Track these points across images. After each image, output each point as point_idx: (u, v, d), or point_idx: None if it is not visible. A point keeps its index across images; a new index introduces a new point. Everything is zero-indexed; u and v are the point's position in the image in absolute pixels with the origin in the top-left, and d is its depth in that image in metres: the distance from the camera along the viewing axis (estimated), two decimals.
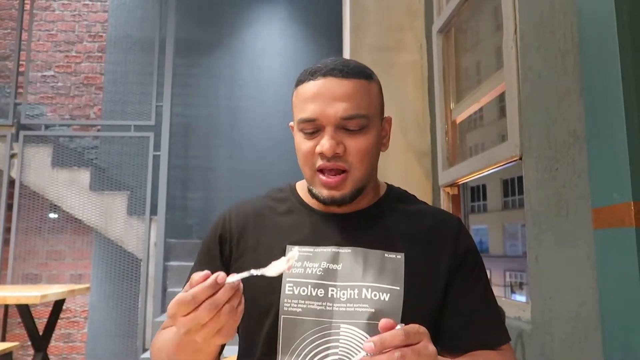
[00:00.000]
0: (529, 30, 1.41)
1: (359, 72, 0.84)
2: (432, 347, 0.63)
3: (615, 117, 0.96)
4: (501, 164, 1.64)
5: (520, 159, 1.47)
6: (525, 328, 1.40)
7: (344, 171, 0.83)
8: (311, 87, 0.83)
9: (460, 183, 2.19)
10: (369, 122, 0.84)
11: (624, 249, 0.93)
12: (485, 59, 2.18)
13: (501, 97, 1.85)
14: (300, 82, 0.86)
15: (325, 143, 0.81)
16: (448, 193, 2.26)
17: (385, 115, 0.92)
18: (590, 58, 1.06)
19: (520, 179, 1.53)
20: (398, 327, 0.62)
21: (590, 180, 1.06)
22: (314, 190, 0.87)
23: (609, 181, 0.98)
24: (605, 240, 1.00)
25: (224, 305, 0.63)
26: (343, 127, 0.82)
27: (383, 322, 0.62)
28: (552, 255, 1.27)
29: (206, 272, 0.64)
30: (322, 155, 0.82)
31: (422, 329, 0.63)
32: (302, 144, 0.85)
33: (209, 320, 0.62)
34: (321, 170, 0.84)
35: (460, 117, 2.25)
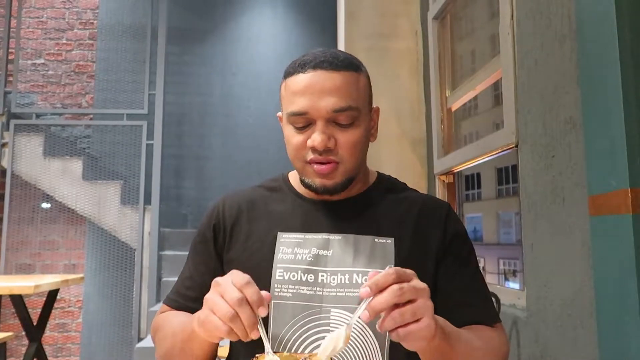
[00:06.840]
0: (526, 16, 1.39)
1: (348, 64, 0.83)
2: (423, 284, 0.66)
3: (612, 104, 0.95)
4: (497, 151, 1.64)
5: (516, 146, 1.46)
6: (520, 315, 1.40)
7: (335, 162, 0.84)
8: (301, 80, 0.82)
9: (455, 171, 2.18)
10: (359, 114, 0.84)
11: (620, 235, 0.93)
12: (481, 46, 2.16)
13: (496, 85, 1.84)
14: (289, 74, 0.85)
15: (316, 137, 0.81)
16: (443, 181, 2.26)
17: (377, 104, 0.93)
18: (587, 44, 1.05)
19: (514, 167, 1.52)
20: (387, 267, 0.65)
21: (587, 167, 1.05)
22: (307, 180, 0.87)
23: (606, 168, 0.98)
24: (601, 227, 1.00)
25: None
26: (334, 120, 0.82)
27: (372, 272, 0.66)
28: (548, 243, 1.27)
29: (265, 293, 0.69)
30: (313, 149, 0.82)
31: (409, 270, 0.67)
32: (293, 137, 0.84)
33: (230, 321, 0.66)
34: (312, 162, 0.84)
35: (455, 105, 2.23)
